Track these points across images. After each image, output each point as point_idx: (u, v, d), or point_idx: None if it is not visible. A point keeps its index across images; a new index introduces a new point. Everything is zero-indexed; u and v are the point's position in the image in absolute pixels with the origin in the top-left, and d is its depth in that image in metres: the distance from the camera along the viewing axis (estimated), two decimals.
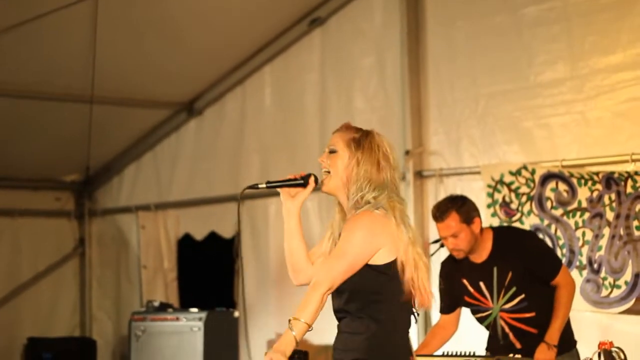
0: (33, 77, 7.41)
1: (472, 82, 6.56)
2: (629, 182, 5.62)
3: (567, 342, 4.97)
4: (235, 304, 7.94)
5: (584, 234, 5.82)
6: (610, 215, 5.69)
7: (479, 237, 4.97)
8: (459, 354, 4.86)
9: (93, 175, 9.07)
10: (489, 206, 6.20)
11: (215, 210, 8.14)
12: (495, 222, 6.10)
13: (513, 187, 6.14)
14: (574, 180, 5.87)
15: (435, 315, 6.05)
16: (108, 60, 7.28)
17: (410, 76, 6.82)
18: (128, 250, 8.86)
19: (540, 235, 5.82)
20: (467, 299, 5.08)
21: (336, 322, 3.59)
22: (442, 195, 6.06)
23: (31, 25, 6.64)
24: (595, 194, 5.77)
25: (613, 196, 5.68)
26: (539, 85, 6.20)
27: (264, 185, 3.65)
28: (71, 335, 8.89)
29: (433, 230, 5.62)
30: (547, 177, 6.01)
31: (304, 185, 3.66)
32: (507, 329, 4.98)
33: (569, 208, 5.90)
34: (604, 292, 5.71)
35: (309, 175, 3.67)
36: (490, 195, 6.23)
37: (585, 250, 5.80)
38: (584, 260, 5.80)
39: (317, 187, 3.68)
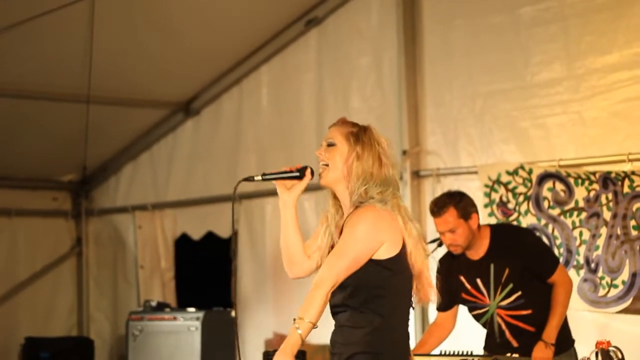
0: (30, 77, 7.40)
1: (468, 82, 6.56)
2: (626, 182, 5.63)
3: (565, 341, 4.98)
4: (233, 303, 7.92)
5: (581, 233, 5.83)
6: (607, 214, 5.71)
7: (477, 233, 4.97)
8: (456, 353, 4.86)
9: (90, 175, 9.05)
10: (486, 206, 6.21)
11: (212, 210, 8.11)
12: (493, 222, 6.08)
13: (510, 186, 6.15)
14: (571, 180, 5.88)
15: (433, 313, 6.06)
16: (105, 60, 7.27)
17: (407, 76, 6.82)
18: (125, 250, 8.84)
19: (538, 235, 5.83)
20: (464, 295, 5.08)
21: (333, 321, 3.55)
22: None
23: (28, 26, 6.62)
24: (592, 193, 5.78)
25: (610, 196, 5.69)
26: (535, 85, 6.21)
27: (259, 177, 3.64)
28: (69, 334, 8.87)
29: (431, 230, 5.62)
30: (544, 177, 6.01)
31: (300, 177, 3.64)
32: (503, 326, 4.98)
33: (566, 208, 5.91)
34: (602, 292, 5.72)
35: (305, 168, 3.65)
36: (488, 195, 6.23)
37: (582, 249, 5.82)
38: (582, 260, 5.81)
39: (313, 180, 3.65)
